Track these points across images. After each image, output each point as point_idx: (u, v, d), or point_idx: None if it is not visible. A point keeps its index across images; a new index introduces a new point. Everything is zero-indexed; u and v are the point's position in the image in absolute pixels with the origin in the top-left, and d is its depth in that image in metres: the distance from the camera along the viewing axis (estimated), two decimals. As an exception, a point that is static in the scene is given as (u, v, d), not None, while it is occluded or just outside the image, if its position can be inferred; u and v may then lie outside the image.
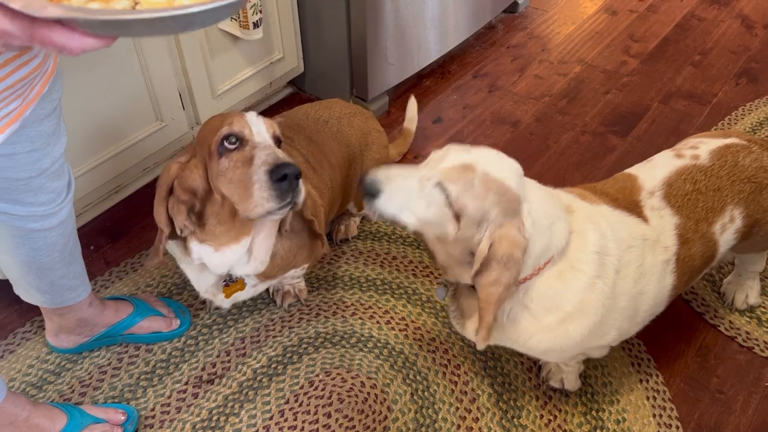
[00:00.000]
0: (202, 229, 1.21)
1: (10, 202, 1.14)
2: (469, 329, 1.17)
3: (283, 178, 1.06)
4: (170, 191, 1.22)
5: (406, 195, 0.98)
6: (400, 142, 2.03)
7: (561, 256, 1.06)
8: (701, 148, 1.28)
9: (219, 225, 1.19)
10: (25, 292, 1.36)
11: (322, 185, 1.46)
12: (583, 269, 1.07)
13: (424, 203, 0.98)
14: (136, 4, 0.65)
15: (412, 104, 2.04)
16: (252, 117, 1.17)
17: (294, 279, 1.59)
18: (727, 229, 1.23)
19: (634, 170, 1.31)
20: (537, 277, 1.06)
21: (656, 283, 1.16)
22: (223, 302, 1.39)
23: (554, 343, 1.12)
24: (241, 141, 1.14)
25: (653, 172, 1.26)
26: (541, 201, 1.03)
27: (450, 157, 0.99)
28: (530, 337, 1.12)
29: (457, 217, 0.97)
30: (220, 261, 1.24)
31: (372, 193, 0.99)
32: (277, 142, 1.18)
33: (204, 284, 1.35)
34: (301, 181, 1.10)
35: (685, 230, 1.18)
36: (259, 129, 1.16)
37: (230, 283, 1.33)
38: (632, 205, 1.19)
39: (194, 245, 1.23)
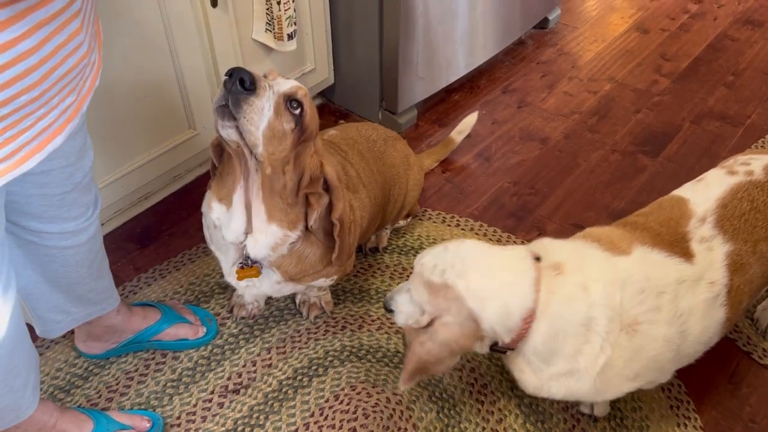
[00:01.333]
0: (220, 178, 1.24)
1: (45, 221, 1.15)
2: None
3: (230, 75, 1.05)
4: None
5: (405, 306, 1.19)
6: (439, 149, 2.04)
7: (543, 316, 1.09)
8: (753, 164, 1.26)
9: (225, 170, 1.22)
10: (48, 317, 1.34)
11: (368, 201, 1.46)
12: (566, 339, 1.09)
13: (413, 308, 1.18)
14: None
15: (471, 119, 2.06)
16: (291, 80, 1.17)
17: (321, 291, 1.59)
18: None
19: (685, 192, 1.28)
20: (525, 338, 1.10)
21: (700, 321, 1.13)
22: (245, 291, 1.39)
23: (568, 391, 1.13)
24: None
25: (706, 192, 1.23)
26: (482, 279, 1.11)
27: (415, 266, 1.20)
28: (542, 386, 1.15)
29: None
30: (232, 223, 1.23)
31: (390, 310, 1.23)
32: (290, 101, 1.13)
33: (227, 264, 1.34)
34: (250, 100, 1.06)
35: (739, 256, 1.16)
36: (281, 80, 1.15)
37: (245, 266, 1.31)
38: (677, 239, 1.17)
39: (214, 203, 1.24)
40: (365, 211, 1.45)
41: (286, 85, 1.13)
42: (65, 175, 1.12)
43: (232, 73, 1.05)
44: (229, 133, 1.08)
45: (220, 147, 1.25)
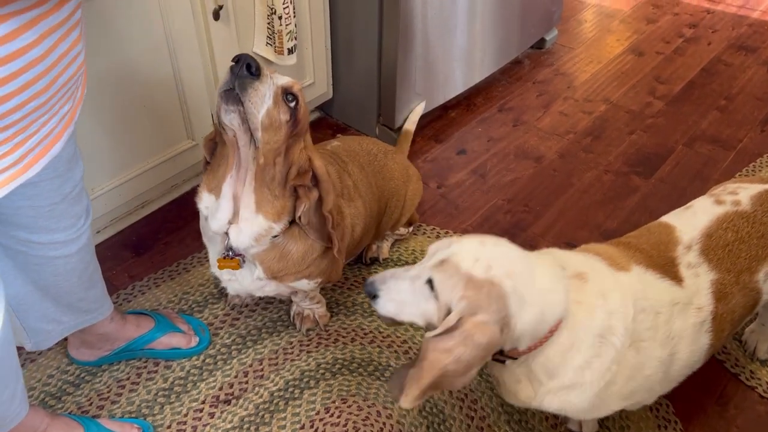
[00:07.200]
0: (211, 170, 1.26)
1: (34, 231, 1.15)
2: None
3: (237, 61, 1.09)
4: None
5: (401, 295, 1.05)
6: (403, 144, 2.10)
7: (566, 326, 1.06)
8: (741, 193, 1.28)
9: (216, 163, 1.25)
10: (38, 327, 1.33)
11: (363, 211, 1.49)
12: (581, 350, 1.07)
13: (420, 300, 1.04)
14: None
15: (419, 108, 2.18)
16: (286, 77, 1.20)
17: (314, 303, 1.60)
18: None
19: (672, 219, 1.29)
20: (540, 349, 1.06)
21: (689, 345, 1.15)
22: (228, 285, 1.40)
23: (561, 406, 1.12)
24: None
25: (693, 220, 1.25)
26: (527, 279, 1.04)
27: (437, 254, 1.06)
28: (535, 398, 1.13)
29: (447, 309, 1.03)
30: (219, 212, 1.24)
31: (372, 296, 1.08)
32: (286, 93, 1.16)
33: (214, 256, 1.36)
34: (255, 84, 1.09)
35: (723, 285, 1.17)
36: (278, 76, 1.18)
37: (228, 257, 1.32)
38: (667, 263, 1.18)
39: (204, 194, 1.27)
40: (359, 219, 1.47)
41: (283, 79, 1.18)
42: (54, 186, 1.12)
43: (239, 58, 1.09)
44: (231, 118, 1.12)
45: (213, 142, 1.28)
